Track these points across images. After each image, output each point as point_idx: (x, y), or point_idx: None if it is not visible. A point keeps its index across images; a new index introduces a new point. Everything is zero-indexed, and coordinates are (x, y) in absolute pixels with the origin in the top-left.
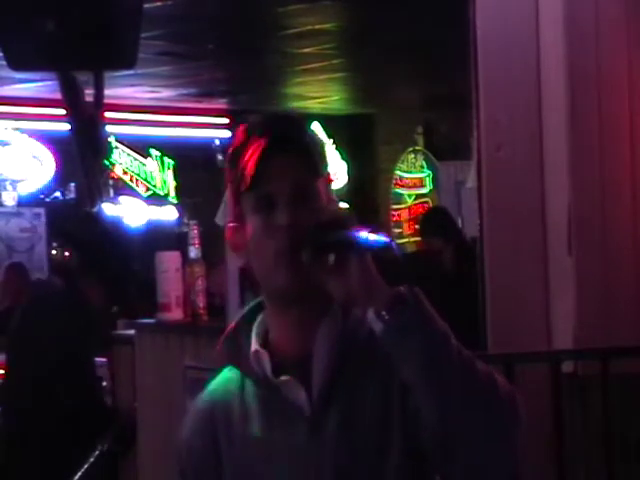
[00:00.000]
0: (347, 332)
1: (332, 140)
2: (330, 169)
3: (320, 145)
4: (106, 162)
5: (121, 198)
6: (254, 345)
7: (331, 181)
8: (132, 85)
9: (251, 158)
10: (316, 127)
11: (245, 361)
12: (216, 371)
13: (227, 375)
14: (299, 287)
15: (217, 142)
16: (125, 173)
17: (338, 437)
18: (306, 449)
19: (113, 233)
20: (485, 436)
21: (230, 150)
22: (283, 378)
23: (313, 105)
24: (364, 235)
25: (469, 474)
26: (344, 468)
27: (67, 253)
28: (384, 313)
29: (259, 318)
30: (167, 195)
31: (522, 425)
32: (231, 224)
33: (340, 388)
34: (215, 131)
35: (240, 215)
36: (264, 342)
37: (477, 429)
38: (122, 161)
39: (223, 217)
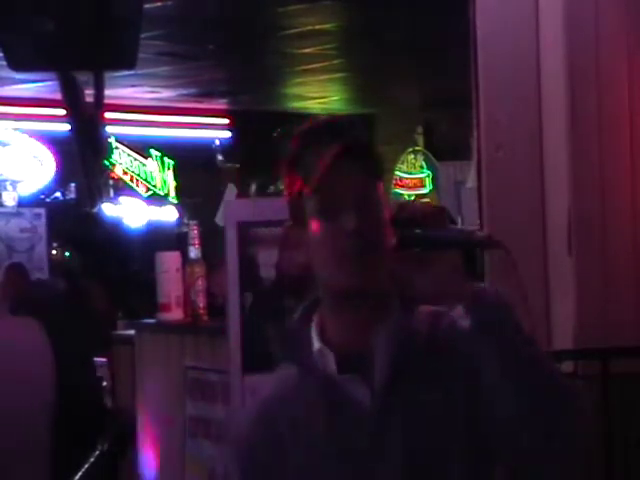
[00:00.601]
0: (408, 330)
1: None
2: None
3: (377, 150)
4: (106, 162)
5: (121, 198)
6: (317, 343)
7: (383, 186)
8: (132, 85)
9: (317, 162)
10: None
11: (306, 359)
12: (273, 370)
13: (283, 374)
14: (363, 288)
15: (217, 142)
16: (125, 173)
17: (402, 434)
18: (369, 446)
19: (114, 234)
20: (552, 434)
21: (290, 153)
22: (346, 375)
23: (313, 105)
24: (457, 231)
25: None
26: (408, 465)
27: (67, 254)
28: (472, 310)
29: (316, 317)
30: (167, 195)
31: (588, 431)
32: (289, 224)
33: (402, 385)
34: (215, 131)
35: (300, 217)
36: (323, 340)
37: (553, 426)
38: (122, 161)
39: (223, 217)
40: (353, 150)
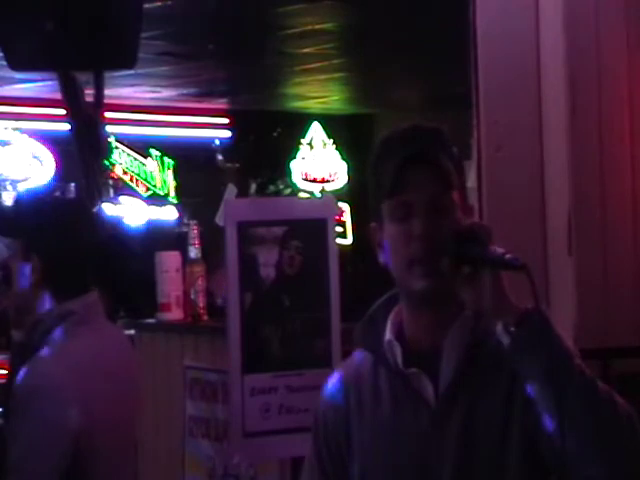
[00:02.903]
0: (477, 336)
1: (332, 140)
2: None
3: (457, 159)
4: (106, 162)
5: (121, 198)
6: (388, 334)
7: (466, 194)
8: (132, 85)
9: (391, 168)
10: (316, 127)
11: (379, 348)
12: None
13: (360, 357)
14: (432, 293)
15: (217, 142)
16: (125, 173)
17: (460, 432)
18: (429, 438)
19: (117, 236)
20: (602, 454)
21: (373, 158)
22: (413, 370)
23: (313, 105)
24: (499, 252)
25: None
26: (462, 462)
27: None
28: (512, 329)
29: (395, 309)
30: (167, 195)
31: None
32: (373, 224)
33: (465, 387)
34: (215, 131)
35: (380, 218)
36: (398, 332)
37: (593, 446)
38: (122, 161)
39: (223, 217)
40: (421, 159)
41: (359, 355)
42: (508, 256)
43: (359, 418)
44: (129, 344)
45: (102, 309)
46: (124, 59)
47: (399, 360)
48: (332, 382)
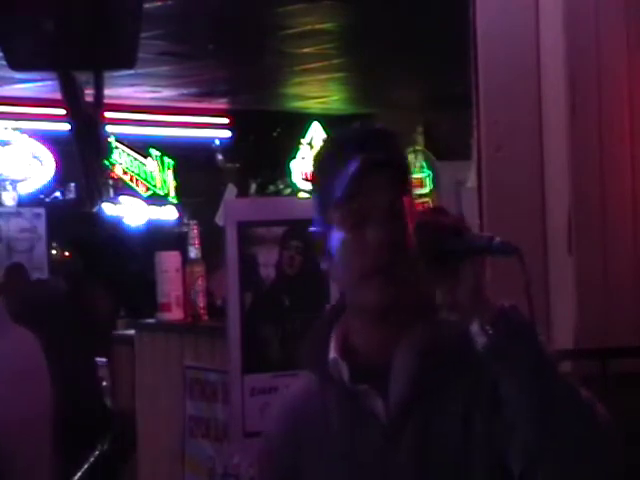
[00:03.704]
0: (430, 345)
1: None
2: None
3: (408, 162)
4: (106, 162)
5: (121, 198)
6: (333, 352)
7: (413, 200)
8: (132, 85)
9: (347, 173)
10: (316, 127)
11: (322, 368)
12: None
13: (307, 379)
14: (385, 306)
15: (217, 142)
16: (125, 173)
17: (415, 448)
18: (381, 458)
19: (116, 235)
20: (579, 460)
21: (319, 158)
22: (361, 386)
23: (313, 105)
24: (487, 238)
25: None
26: (420, 478)
27: (67, 253)
28: (488, 327)
29: (340, 322)
30: (167, 195)
31: (619, 459)
32: (315, 229)
33: (419, 400)
34: (215, 131)
35: (326, 225)
36: (344, 348)
37: (572, 452)
38: (122, 161)
39: (223, 217)
40: (379, 163)
41: (306, 377)
42: (498, 240)
43: (309, 444)
44: (37, 346)
45: (5, 312)
46: (124, 59)
47: (345, 378)
48: (278, 408)
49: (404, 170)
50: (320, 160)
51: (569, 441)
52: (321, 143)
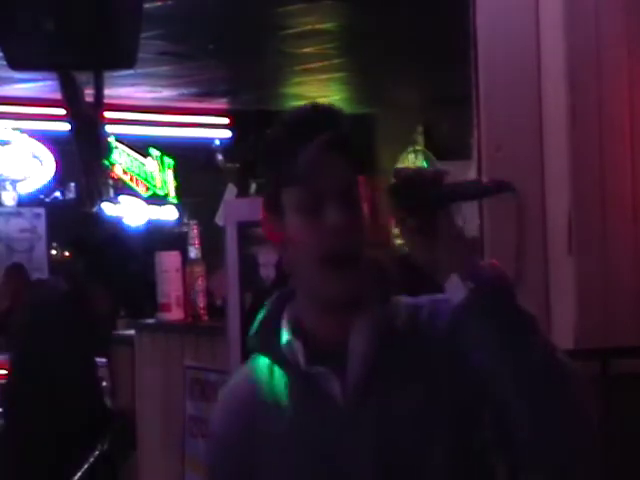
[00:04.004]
0: (386, 325)
1: None
2: (378, 167)
3: (368, 143)
4: (106, 162)
5: (121, 198)
6: (286, 335)
7: (377, 180)
8: (132, 85)
9: (303, 154)
10: None
11: (277, 350)
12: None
13: (254, 366)
14: (346, 296)
15: (217, 142)
16: (125, 173)
17: (375, 429)
18: (340, 441)
19: (116, 235)
20: (554, 423)
21: (271, 140)
22: (317, 368)
23: None
24: (467, 183)
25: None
26: (381, 461)
27: (67, 253)
28: (467, 282)
29: (290, 306)
30: (167, 195)
31: (594, 426)
32: (266, 214)
33: (377, 380)
34: (215, 131)
35: (278, 209)
36: (296, 331)
37: (549, 418)
38: (122, 161)
39: (223, 217)
40: (336, 143)
41: (252, 365)
42: (487, 181)
43: (262, 434)
44: None
45: None
46: (124, 59)
47: (301, 360)
48: (225, 404)
49: (360, 150)
50: (271, 143)
51: (544, 403)
52: (273, 126)
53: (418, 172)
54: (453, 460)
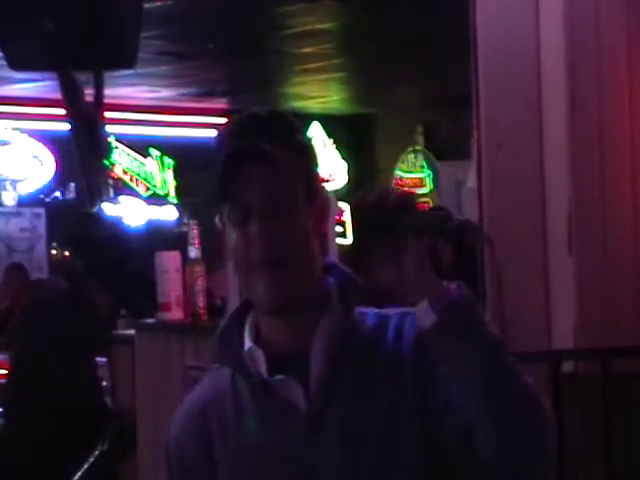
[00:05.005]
0: (348, 330)
1: (332, 140)
2: (320, 168)
3: (301, 145)
4: (106, 162)
5: (121, 198)
6: (247, 343)
7: (314, 181)
8: (132, 85)
9: (220, 167)
10: (316, 127)
11: (238, 360)
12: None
13: (217, 374)
14: (278, 301)
15: None
16: (125, 173)
17: (339, 436)
18: (304, 448)
19: (116, 235)
20: (514, 433)
21: (214, 151)
22: (279, 376)
23: (313, 105)
24: (430, 217)
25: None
26: (346, 467)
27: (67, 253)
28: (436, 306)
29: (250, 315)
30: (167, 195)
31: (552, 448)
32: (218, 224)
33: (340, 386)
34: (215, 131)
35: (221, 220)
36: (257, 340)
37: (512, 436)
38: (122, 161)
39: None
40: (251, 153)
41: (214, 374)
42: (456, 220)
43: (223, 443)
44: None
45: None
46: (124, 59)
47: (262, 369)
48: (186, 410)
49: (280, 157)
50: (214, 151)
51: (506, 417)
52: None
53: (384, 197)
54: (420, 460)
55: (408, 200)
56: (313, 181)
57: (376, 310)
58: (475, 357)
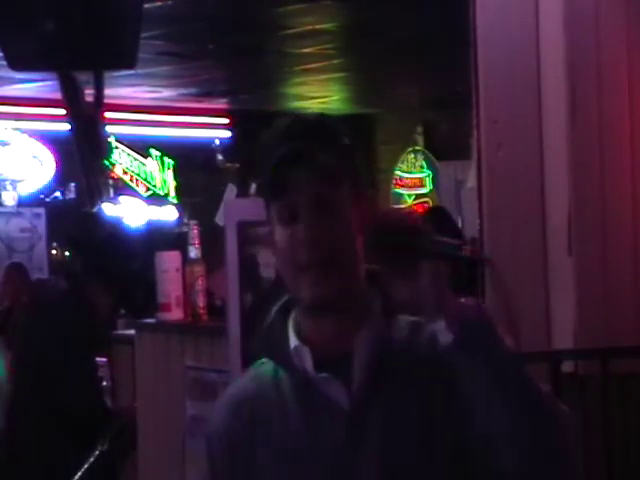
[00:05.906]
0: (389, 335)
1: None
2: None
3: (346, 149)
4: (106, 162)
5: (121, 198)
6: (293, 340)
7: (359, 184)
8: (132, 85)
9: (269, 169)
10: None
11: (284, 356)
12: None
13: (260, 369)
14: (323, 301)
15: (217, 142)
16: (125, 173)
17: (380, 435)
18: (346, 446)
19: (116, 235)
20: (537, 450)
21: (260, 152)
22: (323, 374)
23: (313, 105)
24: (442, 243)
25: None
26: (387, 466)
27: (67, 253)
28: (453, 325)
29: (293, 314)
30: (167, 195)
31: (574, 458)
32: (266, 225)
33: (381, 388)
34: (215, 131)
35: (269, 217)
36: (299, 337)
37: (536, 445)
38: (122, 161)
39: (223, 217)
40: (302, 156)
41: (261, 367)
42: (466, 251)
43: (264, 437)
44: None
45: None
46: (124, 59)
47: (309, 366)
48: (227, 403)
49: (327, 160)
50: (260, 153)
51: (525, 432)
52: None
53: (400, 219)
54: (451, 468)
55: (422, 224)
56: (358, 183)
57: (412, 318)
58: (490, 376)
